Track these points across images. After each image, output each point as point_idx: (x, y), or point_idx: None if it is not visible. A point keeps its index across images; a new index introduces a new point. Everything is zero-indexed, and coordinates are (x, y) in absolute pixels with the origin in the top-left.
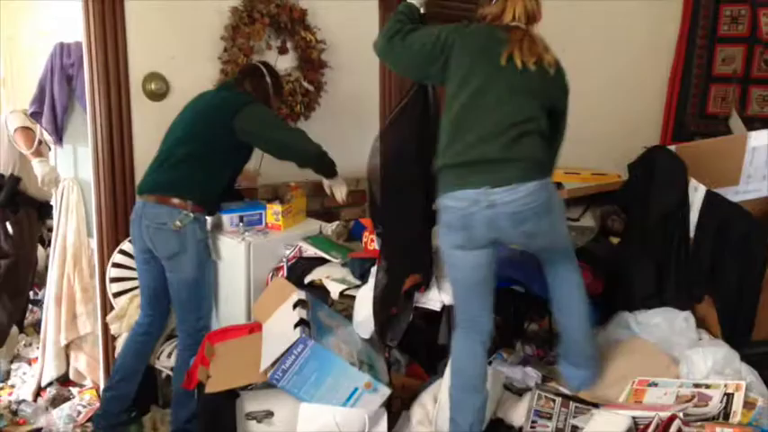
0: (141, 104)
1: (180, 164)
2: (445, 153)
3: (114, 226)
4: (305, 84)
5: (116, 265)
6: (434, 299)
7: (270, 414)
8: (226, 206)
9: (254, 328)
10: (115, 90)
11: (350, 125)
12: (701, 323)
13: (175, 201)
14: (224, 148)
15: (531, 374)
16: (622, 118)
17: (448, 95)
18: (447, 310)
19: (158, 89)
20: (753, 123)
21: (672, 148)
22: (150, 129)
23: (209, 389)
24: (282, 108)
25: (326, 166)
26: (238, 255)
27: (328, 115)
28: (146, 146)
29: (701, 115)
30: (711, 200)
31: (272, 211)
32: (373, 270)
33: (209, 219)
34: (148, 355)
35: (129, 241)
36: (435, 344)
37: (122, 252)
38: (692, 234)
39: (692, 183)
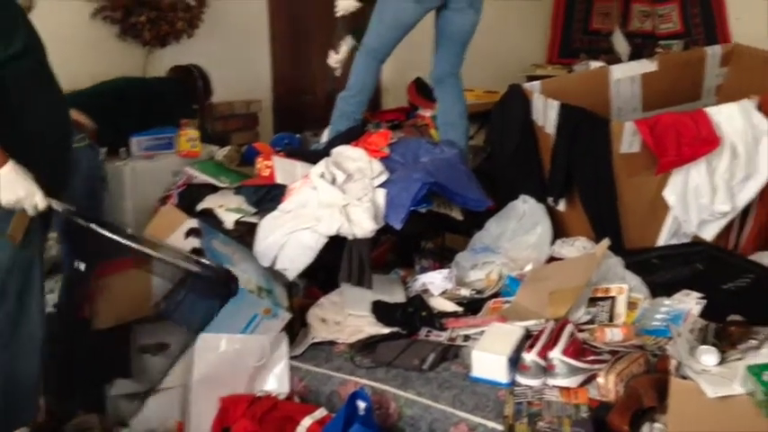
0: None
1: (113, 93)
2: None
3: None
4: None
5: None
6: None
7: (165, 346)
8: None
9: (143, 260)
10: None
11: (238, 43)
12: (578, 232)
13: (77, 119)
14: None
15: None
16: (511, 36)
17: None
18: (350, 246)
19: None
20: (634, 38)
21: (536, 84)
22: None
23: (96, 325)
24: (163, 25)
25: None
26: (120, 181)
27: (214, 32)
28: None
29: (585, 31)
30: (564, 110)
31: (187, 138)
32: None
33: (103, 150)
34: None
35: None
36: (333, 267)
37: None
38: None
39: (549, 101)
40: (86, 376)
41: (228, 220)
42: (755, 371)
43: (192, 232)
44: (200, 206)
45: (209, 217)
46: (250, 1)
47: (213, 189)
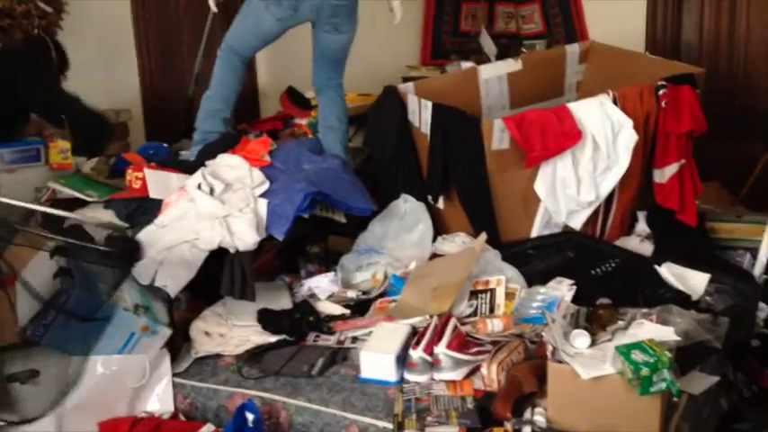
0: None
1: None
2: None
3: None
4: (41, 4)
5: None
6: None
7: (35, 373)
8: None
9: (4, 282)
10: None
11: (102, 49)
12: (457, 228)
13: None
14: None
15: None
16: (386, 39)
17: None
18: (231, 258)
19: None
20: (500, 39)
21: (410, 86)
22: None
23: None
24: (17, 33)
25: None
26: None
27: (75, 40)
28: None
29: (455, 33)
30: (437, 111)
31: (59, 149)
32: None
33: None
34: None
35: None
36: (216, 278)
37: None
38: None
39: (423, 102)
40: None
41: (99, 236)
42: (624, 350)
43: (58, 251)
44: (68, 222)
45: (78, 234)
46: (113, 5)
47: (82, 204)
